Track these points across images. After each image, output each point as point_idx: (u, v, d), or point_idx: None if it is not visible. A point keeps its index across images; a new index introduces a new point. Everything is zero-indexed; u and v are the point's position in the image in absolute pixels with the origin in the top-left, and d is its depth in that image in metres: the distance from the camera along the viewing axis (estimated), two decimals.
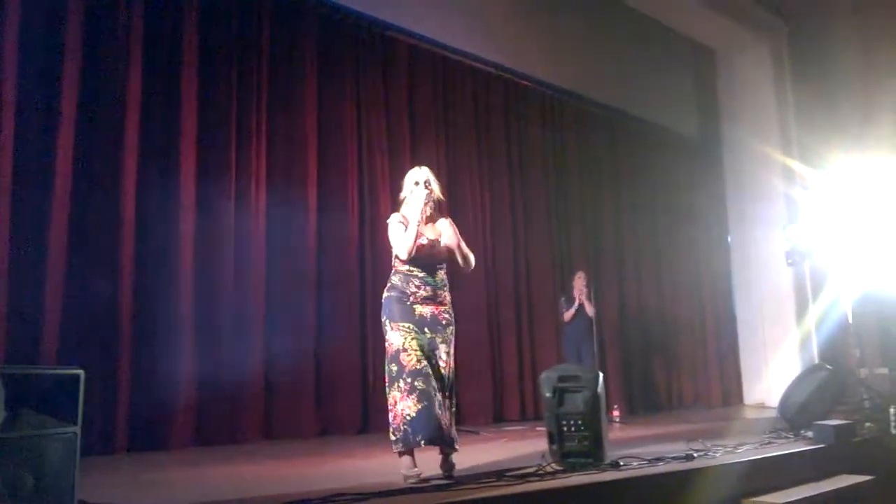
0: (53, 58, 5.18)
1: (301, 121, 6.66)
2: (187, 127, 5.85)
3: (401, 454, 3.64)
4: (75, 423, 2.47)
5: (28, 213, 4.94)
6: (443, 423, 3.66)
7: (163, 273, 5.59)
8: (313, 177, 6.63)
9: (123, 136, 5.47)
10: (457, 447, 3.78)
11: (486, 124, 8.33)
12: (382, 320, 3.84)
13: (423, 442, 3.59)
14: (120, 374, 5.19)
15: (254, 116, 6.32)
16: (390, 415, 3.66)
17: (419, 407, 3.61)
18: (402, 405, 3.62)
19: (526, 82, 8.74)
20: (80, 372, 2.50)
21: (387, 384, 3.73)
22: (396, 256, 3.91)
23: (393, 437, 3.63)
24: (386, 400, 3.73)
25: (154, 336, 5.45)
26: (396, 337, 3.74)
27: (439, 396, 3.70)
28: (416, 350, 3.70)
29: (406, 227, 3.86)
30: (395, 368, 3.70)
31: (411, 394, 3.63)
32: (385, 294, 3.89)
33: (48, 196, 5.05)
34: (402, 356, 3.69)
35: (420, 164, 4.16)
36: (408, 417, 3.60)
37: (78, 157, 5.20)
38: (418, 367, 3.68)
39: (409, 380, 3.64)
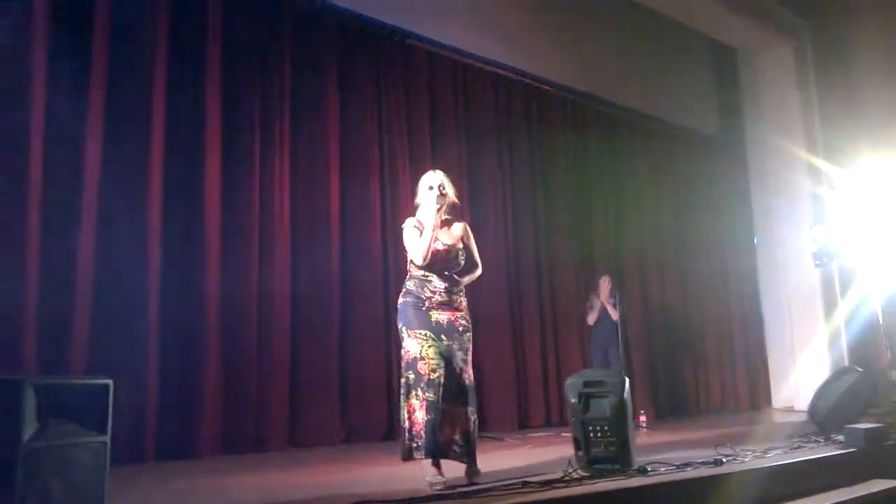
0: (80, 67, 5.24)
1: (324, 128, 6.70)
2: (211, 135, 5.90)
3: (424, 460, 3.65)
4: (104, 433, 2.50)
5: (57, 222, 5.01)
6: (445, 436, 3.67)
7: (189, 282, 5.64)
8: (336, 183, 6.67)
9: (149, 145, 5.53)
10: (475, 461, 3.76)
11: (508, 129, 8.33)
12: (399, 326, 3.84)
13: (428, 456, 3.60)
14: (148, 384, 5.24)
15: (277, 124, 6.37)
16: (408, 422, 3.67)
17: (429, 418, 3.62)
18: (421, 413, 3.63)
19: (546, 86, 8.72)
20: (110, 382, 2.52)
21: (402, 391, 3.73)
22: (412, 262, 3.92)
23: (415, 444, 3.63)
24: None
25: (182, 345, 5.50)
26: (413, 345, 3.74)
27: (451, 406, 3.70)
28: (432, 359, 3.70)
29: (421, 233, 3.86)
30: (412, 377, 3.70)
31: (424, 405, 3.64)
32: (401, 300, 3.89)
33: (76, 205, 5.11)
34: (420, 364, 3.69)
35: (442, 169, 4.17)
36: (417, 428, 3.63)
37: (105, 165, 5.26)
38: (432, 377, 3.68)
39: (425, 388, 3.65)
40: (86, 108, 5.23)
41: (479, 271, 4.11)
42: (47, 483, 2.29)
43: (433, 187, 3.97)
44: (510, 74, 8.36)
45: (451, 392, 3.73)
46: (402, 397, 3.72)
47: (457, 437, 3.73)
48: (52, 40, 5.06)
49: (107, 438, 2.50)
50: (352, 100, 6.95)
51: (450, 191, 4.02)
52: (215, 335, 5.67)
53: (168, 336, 5.41)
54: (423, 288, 3.85)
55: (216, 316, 5.70)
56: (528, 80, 8.54)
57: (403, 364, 3.76)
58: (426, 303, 3.82)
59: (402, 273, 4.13)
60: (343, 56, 6.94)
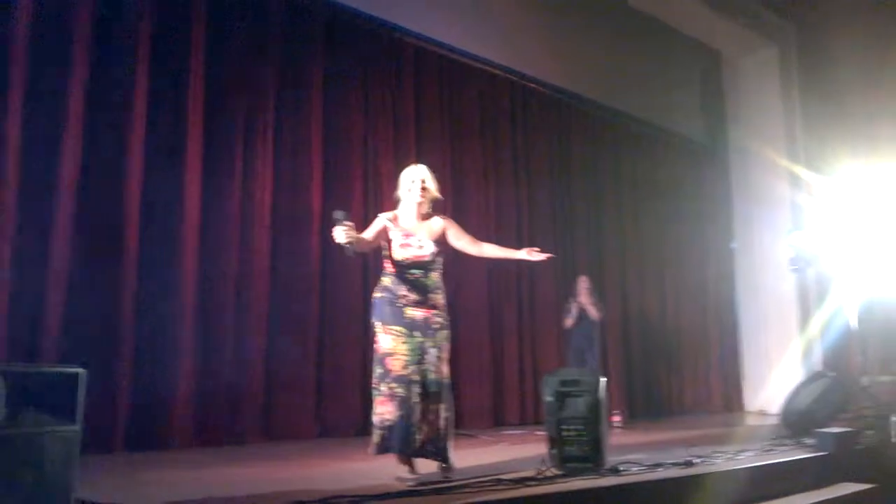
0: (61, 61, 5.18)
1: (308, 122, 6.65)
2: (193, 128, 5.85)
3: (400, 457, 3.68)
4: (75, 422, 2.47)
5: (31, 211, 4.94)
6: (420, 435, 3.65)
7: (165, 273, 5.59)
8: (318, 178, 6.63)
9: (129, 138, 5.46)
10: (448, 458, 3.76)
11: (492, 126, 8.32)
12: (372, 321, 3.84)
13: (396, 453, 3.62)
14: (121, 374, 5.19)
15: (260, 117, 6.32)
16: (376, 416, 3.69)
17: (398, 414, 3.62)
18: (383, 409, 3.64)
19: (532, 84, 8.72)
20: (81, 370, 2.50)
21: (374, 385, 3.74)
22: (388, 258, 3.90)
23: (375, 440, 3.66)
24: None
25: (155, 336, 5.45)
26: (387, 340, 3.74)
27: (423, 404, 3.68)
28: (404, 355, 3.70)
29: (378, 229, 3.91)
30: (380, 371, 3.70)
31: (392, 399, 3.65)
32: (376, 295, 3.88)
33: (52, 195, 5.05)
34: (389, 360, 3.70)
35: (426, 165, 4.17)
36: (386, 423, 3.64)
37: (83, 157, 5.20)
38: (403, 373, 3.68)
39: (392, 385, 3.66)
40: (65, 96, 5.16)
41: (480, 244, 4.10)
42: (17, 471, 2.27)
43: (414, 181, 3.96)
44: (496, 71, 8.35)
45: (424, 389, 3.71)
46: (374, 392, 3.73)
47: (429, 435, 3.72)
48: (32, 36, 5.00)
49: (78, 427, 2.47)
50: (336, 94, 6.91)
51: (431, 186, 4.01)
52: (191, 327, 5.62)
53: (143, 327, 5.36)
54: (398, 285, 3.84)
55: (191, 307, 5.65)
56: (514, 78, 8.53)
57: (375, 357, 3.76)
58: (401, 300, 3.81)
59: (381, 269, 4.12)
60: (328, 49, 6.89)
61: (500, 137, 8.37)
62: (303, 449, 5.51)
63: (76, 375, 2.49)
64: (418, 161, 7.15)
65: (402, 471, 3.65)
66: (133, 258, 5.37)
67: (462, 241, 4.05)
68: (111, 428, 5.08)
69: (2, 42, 4.88)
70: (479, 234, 7.62)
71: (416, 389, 3.67)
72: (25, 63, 4.97)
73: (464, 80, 8.11)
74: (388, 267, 3.91)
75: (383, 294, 3.85)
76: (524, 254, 3.96)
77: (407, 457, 3.69)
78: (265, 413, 6.00)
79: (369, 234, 3.91)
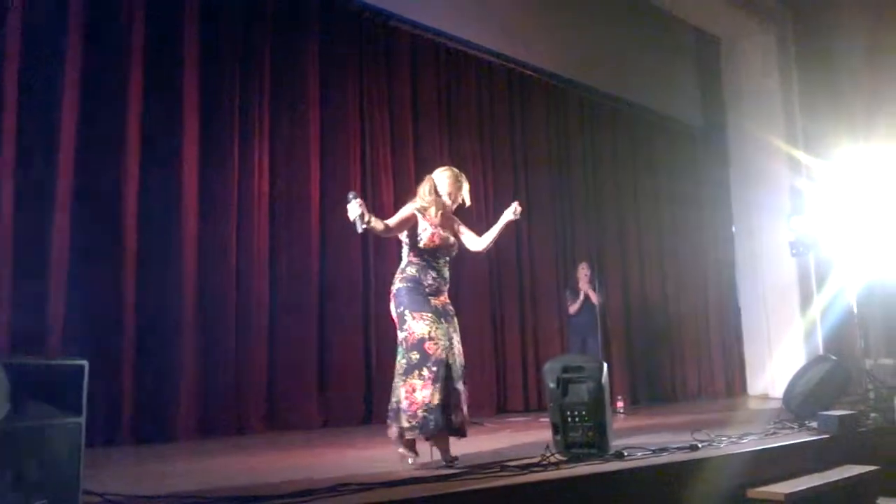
0: (55, 53, 5.16)
1: (304, 109, 6.63)
2: (189, 115, 5.83)
3: (405, 442, 3.73)
4: (79, 414, 2.46)
5: (31, 204, 4.93)
6: (456, 413, 3.73)
7: (166, 264, 5.59)
8: (316, 165, 6.62)
9: (126, 129, 5.46)
10: (466, 434, 3.86)
11: (490, 114, 8.30)
12: (400, 311, 3.84)
13: (437, 430, 3.66)
14: (124, 366, 5.20)
15: (256, 104, 6.30)
16: (405, 402, 3.68)
17: (442, 396, 3.66)
18: (423, 393, 3.66)
19: (529, 71, 8.69)
20: (84, 363, 2.49)
21: (402, 372, 3.74)
22: (412, 246, 3.94)
23: (407, 424, 3.66)
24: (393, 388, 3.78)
25: (158, 328, 5.45)
26: (420, 326, 3.75)
27: (459, 385, 3.78)
28: (441, 339, 3.74)
29: (406, 216, 3.92)
30: (416, 356, 3.71)
31: (436, 382, 3.67)
32: (400, 284, 3.88)
33: (51, 187, 5.04)
34: (428, 344, 3.72)
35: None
36: (429, 405, 3.64)
37: (80, 148, 5.19)
38: (443, 356, 3.72)
39: (434, 368, 3.68)
40: (61, 84, 5.14)
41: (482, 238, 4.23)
42: (22, 464, 2.26)
43: (464, 190, 4.18)
44: (493, 59, 8.33)
45: (454, 371, 3.78)
46: (400, 378, 3.74)
47: (459, 416, 3.77)
48: (26, 28, 4.98)
49: (82, 420, 2.47)
50: (333, 81, 6.88)
51: (467, 198, 4.19)
52: (192, 318, 5.62)
53: (145, 318, 5.36)
54: (425, 274, 3.89)
55: (193, 298, 5.65)
56: (511, 65, 8.51)
57: (406, 345, 3.76)
58: (427, 288, 3.86)
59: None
60: (325, 36, 6.86)
61: (497, 124, 8.35)
62: (307, 439, 5.52)
63: (80, 368, 2.48)
64: (416, 148, 7.23)
65: (407, 455, 3.72)
66: (133, 250, 5.36)
67: (470, 239, 4.19)
68: (116, 421, 5.10)
69: None
70: (478, 223, 7.69)
71: (452, 373, 3.74)
72: (20, 38, 4.94)
73: (461, 67, 8.08)
74: (413, 256, 3.94)
75: (407, 283, 3.87)
76: (510, 215, 4.14)
77: (445, 437, 3.74)
78: (269, 404, 6.01)
79: (395, 220, 3.94)
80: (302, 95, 6.64)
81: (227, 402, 5.76)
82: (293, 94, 6.60)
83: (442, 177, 4.14)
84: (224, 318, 5.85)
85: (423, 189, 4.09)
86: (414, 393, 3.67)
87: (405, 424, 3.67)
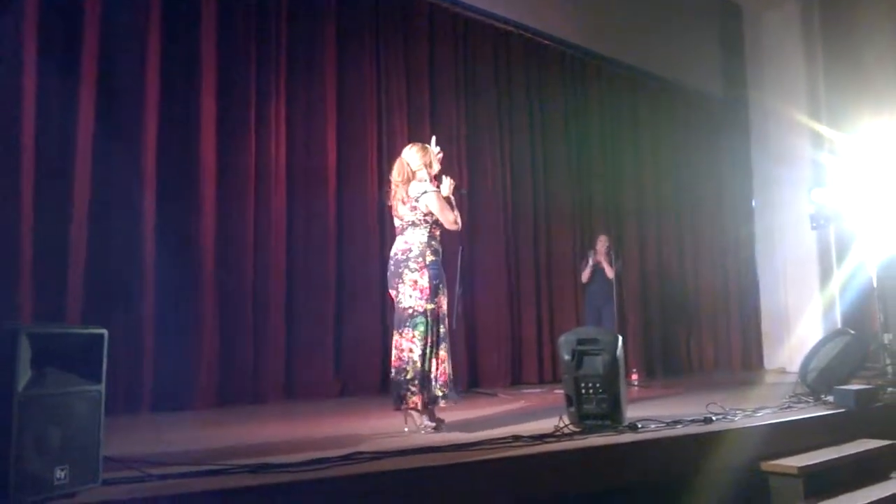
0: (72, 24, 5.17)
1: (321, 78, 6.62)
2: (207, 84, 5.85)
3: (431, 411, 3.96)
4: (100, 382, 2.50)
5: (52, 174, 4.98)
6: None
7: (185, 234, 5.64)
8: (332, 134, 6.62)
9: (144, 94, 5.49)
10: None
11: (507, 85, 8.22)
12: (434, 283, 3.99)
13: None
14: (144, 335, 5.27)
15: (273, 74, 6.30)
16: (436, 371, 3.92)
17: (450, 367, 4.02)
18: (446, 365, 3.97)
19: (546, 41, 8.59)
20: (104, 331, 2.52)
21: (431, 343, 3.94)
22: (437, 223, 4.08)
23: (441, 393, 3.91)
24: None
25: (177, 297, 5.50)
26: (444, 301, 4.05)
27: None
28: (447, 316, 4.07)
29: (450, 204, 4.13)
30: (442, 330, 3.99)
31: (448, 355, 4.01)
32: (432, 258, 4.05)
33: (71, 158, 5.09)
34: (447, 320, 4.04)
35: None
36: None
37: (99, 118, 5.22)
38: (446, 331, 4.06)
39: (446, 343, 4.00)
40: (79, 56, 5.16)
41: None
42: (43, 431, 2.30)
43: (429, 164, 4.23)
44: (510, 28, 8.23)
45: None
46: (430, 349, 3.92)
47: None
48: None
49: (102, 388, 2.50)
50: (350, 50, 6.85)
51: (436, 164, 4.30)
52: (211, 287, 5.68)
53: (163, 287, 5.41)
54: (443, 249, 4.15)
55: (211, 268, 5.71)
56: (528, 35, 8.40)
57: (431, 317, 3.95)
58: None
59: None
60: (342, 6, 6.81)
61: (514, 95, 8.28)
62: (324, 408, 5.57)
63: (100, 336, 2.51)
64: (432, 118, 7.20)
65: (431, 421, 3.95)
66: (151, 221, 5.41)
67: None
68: (135, 389, 5.18)
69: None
70: (495, 192, 7.69)
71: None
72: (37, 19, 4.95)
73: (477, 35, 7.99)
74: (435, 230, 4.12)
75: (437, 257, 4.07)
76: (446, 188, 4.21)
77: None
78: (286, 373, 6.07)
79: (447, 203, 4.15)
80: (319, 63, 6.61)
81: (245, 371, 5.82)
82: (310, 63, 6.57)
83: (411, 153, 4.22)
84: (242, 288, 5.90)
85: (407, 169, 4.16)
86: (443, 364, 3.93)
87: (438, 393, 3.89)
